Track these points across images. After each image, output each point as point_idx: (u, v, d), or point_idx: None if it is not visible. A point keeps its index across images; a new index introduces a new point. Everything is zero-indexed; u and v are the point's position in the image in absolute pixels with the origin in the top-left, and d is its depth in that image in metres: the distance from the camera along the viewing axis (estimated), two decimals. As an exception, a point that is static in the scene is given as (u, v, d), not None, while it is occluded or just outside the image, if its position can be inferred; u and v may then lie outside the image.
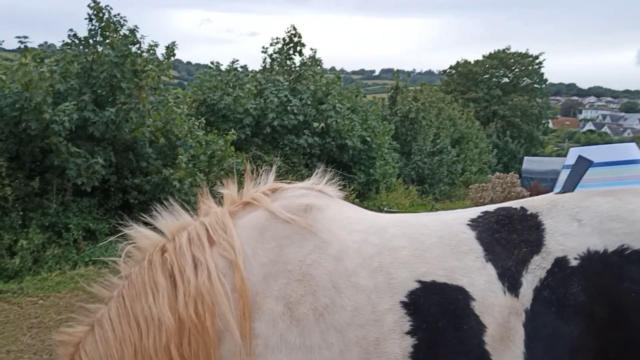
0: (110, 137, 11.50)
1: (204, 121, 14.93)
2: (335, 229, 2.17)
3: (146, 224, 2.28)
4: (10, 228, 10.37)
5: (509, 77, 51.94)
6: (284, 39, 19.74)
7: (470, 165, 31.12)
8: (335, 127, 18.16)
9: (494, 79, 51.47)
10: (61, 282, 9.60)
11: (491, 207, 2.19)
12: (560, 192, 2.20)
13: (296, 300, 2.00)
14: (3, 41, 12.74)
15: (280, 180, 2.45)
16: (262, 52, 19.82)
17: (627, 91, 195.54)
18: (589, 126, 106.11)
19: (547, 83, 55.69)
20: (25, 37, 11.44)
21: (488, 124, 45.02)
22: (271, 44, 19.78)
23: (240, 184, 2.40)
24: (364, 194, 18.81)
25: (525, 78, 51.73)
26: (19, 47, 11.56)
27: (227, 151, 13.96)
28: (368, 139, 18.95)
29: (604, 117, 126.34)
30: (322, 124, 18.00)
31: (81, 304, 2.20)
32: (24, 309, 8.08)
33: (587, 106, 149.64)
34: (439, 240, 2.08)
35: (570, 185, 2.14)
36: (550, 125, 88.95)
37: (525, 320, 1.91)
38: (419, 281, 1.98)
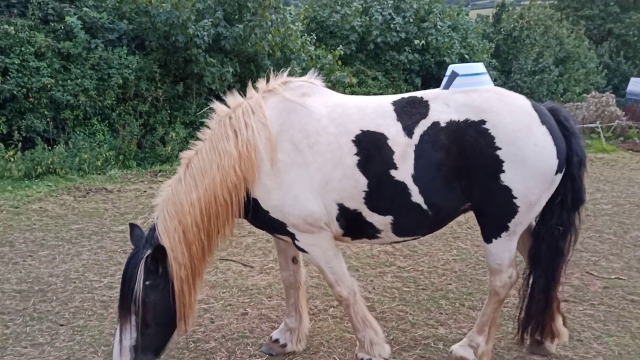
0: (237, 50, 13.43)
1: (315, 37, 16.33)
2: (317, 105, 3.67)
3: (222, 101, 4.02)
4: (161, 123, 12.78)
5: (630, -8, 48.27)
6: (390, -42, 20.49)
7: (574, 85, 30.48)
8: (435, 45, 18.90)
9: (614, -5, 48.06)
10: (201, 167, 11.93)
11: (405, 95, 3.79)
12: (443, 89, 3.79)
13: (299, 141, 3.55)
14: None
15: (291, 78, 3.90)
16: (369, -30, 20.74)
17: None
18: None
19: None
20: None
21: (601, 43, 42.78)
22: (378, -37, 20.62)
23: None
24: (459, 109, 19.73)
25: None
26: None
27: (335, 65, 15.41)
28: (467, 56, 19.55)
29: None
30: (423, 42, 18.72)
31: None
32: (180, 182, 10.46)
33: None
34: (373, 110, 3.63)
35: (447, 86, 3.74)
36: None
37: (414, 149, 3.48)
38: (361, 130, 3.56)
